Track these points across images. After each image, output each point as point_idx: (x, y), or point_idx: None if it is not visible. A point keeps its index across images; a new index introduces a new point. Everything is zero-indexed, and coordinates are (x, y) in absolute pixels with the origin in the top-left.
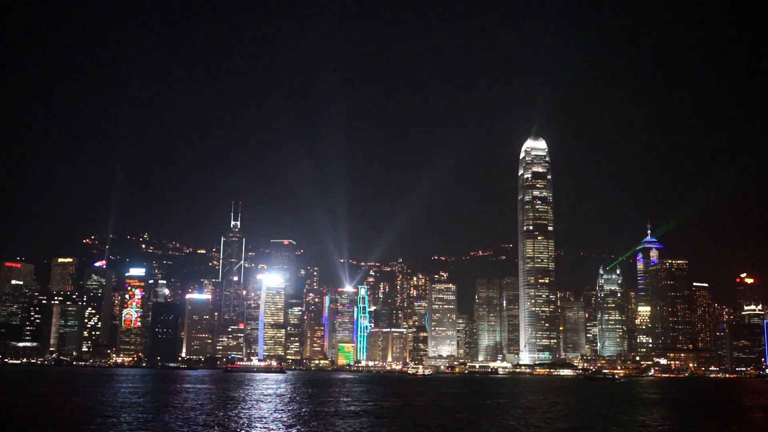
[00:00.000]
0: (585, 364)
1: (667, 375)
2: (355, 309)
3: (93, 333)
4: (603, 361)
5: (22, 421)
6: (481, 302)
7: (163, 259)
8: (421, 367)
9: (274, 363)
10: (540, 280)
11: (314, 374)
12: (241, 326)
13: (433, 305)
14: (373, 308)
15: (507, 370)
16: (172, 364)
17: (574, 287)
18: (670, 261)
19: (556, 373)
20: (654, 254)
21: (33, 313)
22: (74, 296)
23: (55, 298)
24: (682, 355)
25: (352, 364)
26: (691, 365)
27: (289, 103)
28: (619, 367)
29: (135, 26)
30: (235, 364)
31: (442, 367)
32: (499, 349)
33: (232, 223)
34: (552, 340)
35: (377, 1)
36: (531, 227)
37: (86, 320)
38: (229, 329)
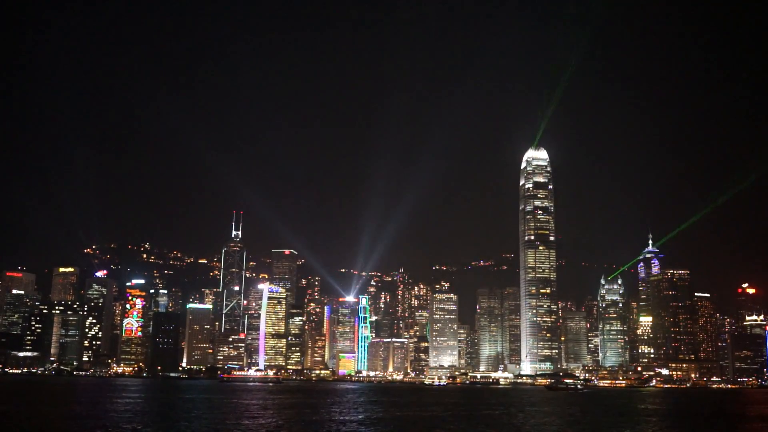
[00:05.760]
0: (587, 375)
1: (669, 385)
2: (356, 319)
3: (94, 343)
4: (605, 372)
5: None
6: (482, 312)
7: (164, 268)
8: (436, 377)
9: (271, 373)
10: (541, 290)
11: (315, 384)
12: (242, 336)
13: (434, 315)
14: (374, 318)
15: (508, 380)
16: (172, 374)
17: (575, 297)
18: (671, 271)
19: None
20: (655, 264)
21: (34, 323)
22: (75, 306)
23: (56, 307)
24: (684, 365)
25: (353, 374)
26: (693, 376)
27: (289, 112)
28: (621, 378)
29: (138, 34)
30: (232, 374)
31: (444, 377)
32: (501, 360)
33: (234, 232)
34: (553, 351)
35: (376, 8)
36: (532, 237)
37: (87, 330)
38: (230, 339)
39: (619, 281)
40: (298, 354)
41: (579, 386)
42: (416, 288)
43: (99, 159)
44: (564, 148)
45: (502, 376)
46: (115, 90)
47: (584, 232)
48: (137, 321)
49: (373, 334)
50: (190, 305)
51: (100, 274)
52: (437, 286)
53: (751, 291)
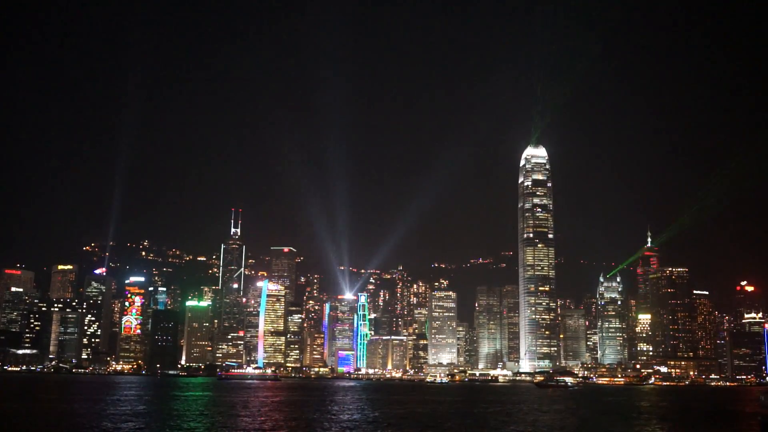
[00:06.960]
0: (585, 372)
1: (668, 383)
2: (355, 316)
3: (93, 340)
4: (603, 369)
5: (22, 429)
6: (481, 310)
7: (163, 266)
8: (438, 375)
9: (269, 371)
10: (540, 288)
11: (314, 382)
12: (241, 334)
13: (433, 313)
14: (373, 316)
15: (507, 378)
16: (171, 372)
17: (574, 295)
18: (670, 269)
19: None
20: (654, 262)
21: (33, 321)
22: (74, 303)
23: (55, 305)
24: (683, 363)
25: (352, 371)
26: (691, 373)
27: (289, 110)
28: (619, 375)
29: (136, 33)
30: (230, 372)
31: (443, 375)
32: (500, 357)
33: (233, 230)
34: (552, 348)
35: (379, 8)
36: (531, 235)
37: (86, 327)
38: (229, 337)
39: (618, 279)
40: (297, 351)
41: (570, 383)
42: (415, 285)
43: (98, 156)
44: (563, 146)
45: (501, 373)
46: (115, 87)
47: (583, 229)
48: (136, 318)
49: (372, 332)
50: (189, 303)
51: (99, 271)
52: (436, 284)
53: (749, 288)
